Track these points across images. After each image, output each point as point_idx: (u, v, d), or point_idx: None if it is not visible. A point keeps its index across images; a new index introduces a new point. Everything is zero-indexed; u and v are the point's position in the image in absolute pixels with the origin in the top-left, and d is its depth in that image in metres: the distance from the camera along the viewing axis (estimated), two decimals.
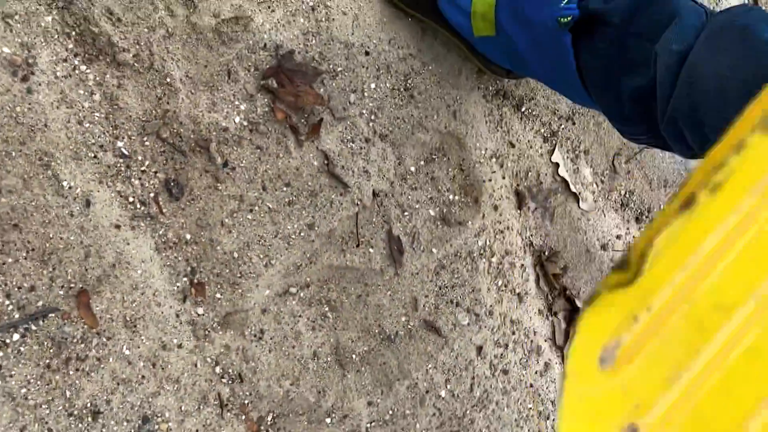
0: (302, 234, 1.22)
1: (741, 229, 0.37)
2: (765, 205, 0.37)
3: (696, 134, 0.85)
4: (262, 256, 1.19)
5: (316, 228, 1.23)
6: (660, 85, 0.89)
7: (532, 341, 1.49)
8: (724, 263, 0.37)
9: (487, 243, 1.42)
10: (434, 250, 1.36)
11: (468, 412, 1.39)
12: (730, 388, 0.40)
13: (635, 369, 0.40)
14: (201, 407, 1.15)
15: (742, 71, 0.77)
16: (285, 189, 1.19)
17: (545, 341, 1.53)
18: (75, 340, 1.04)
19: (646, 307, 0.38)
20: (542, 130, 1.51)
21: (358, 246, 1.28)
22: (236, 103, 1.15)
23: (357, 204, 1.26)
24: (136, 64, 1.07)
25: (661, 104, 0.90)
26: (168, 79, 1.09)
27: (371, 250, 1.29)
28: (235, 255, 1.17)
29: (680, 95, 0.85)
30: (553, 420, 1.52)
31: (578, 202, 1.56)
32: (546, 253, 1.54)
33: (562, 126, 1.54)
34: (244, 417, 1.18)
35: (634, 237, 1.66)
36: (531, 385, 1.48)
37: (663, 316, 0.38)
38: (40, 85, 1.01)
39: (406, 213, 1.33)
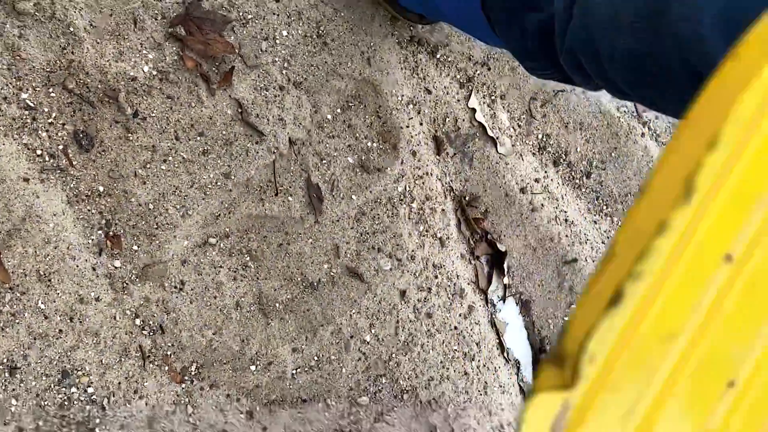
0: (219, 183, 1.22)
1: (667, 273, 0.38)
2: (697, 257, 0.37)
3: (593, 64, 0.87)
4: (178, 207, 1.18)
5: (233, 177, 1.23)
6: (558, 17, 0.91)
7: (455, 285, 1.52)
8: (661, 299, 0.37)
9: (407, 189, 1.43)
10: (354, 197, 1.37)
11: (394, 355, 1.41)
12: (682, 411, 0.41)
13: (589, 426, 0.39)
14: (122, 360, 1.14)
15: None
16: (199, 138, 1.19)
17: (468, 284, 1.55)
18: None
19: (588, 359, 0.38)
20: (458, 76, 1.52)
21: (276, 195, 1.28)
22: (144, 52, 1.13)
23: (273, 152, 1.26)
24: (37, 13, 1.05)
25: (559, 36, 0.92)
26: (71, 29, 1.07)
27: (290, 198, 1.30)
28: (151, 206, 1.16)
29: (575, 26, 0.87)
30: (478, 361, 1.55)
31: (496, 147, 1.58)
32: (466, 198, 1.56)
33: (478, 71, 1.55)
34: (167, 368, 1.18)
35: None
36: (455, 328, 1.51)
37: (608, 366, 0.38)
38: None
39: (324, 161, 1.33)
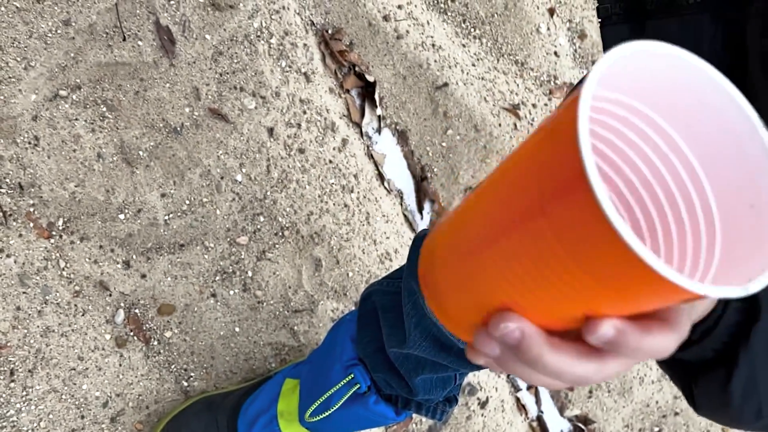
0: (59, 32, 1.17)
1: None
2: None
3: None
4: (19, 59, 1.14)
5: (74, 24, 1.18)
6: None
7: (326, 119, 1.52)
8: None
9: (263, 24, 1.40)
10: (208, 36, 1.34)
11: (269, 193, 1.42)
12: None
13: None
14: None
15: None
16: None
17: (340, 118, 1.56)
18: None
19: None
20: None
21: (124, 40, 1.24)
22: None
23: None
24: None
25: None
26: None
27: (140, 43, 1.26)
28: None
29: None
30: (357, 192, 1.58)
31: None
32: (329, 31, 1.54)
33: None
34: (32, 225, 1.17)
35: (414, 8, 1.68)
36: (330, 162, 1.52)
37: None
38: None
39: (172, 2, 1.29)
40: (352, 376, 1.12)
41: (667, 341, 0.42)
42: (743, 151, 0.40)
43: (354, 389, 1.12)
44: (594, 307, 0.39)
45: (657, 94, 0.41)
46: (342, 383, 1.13)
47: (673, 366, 0.60)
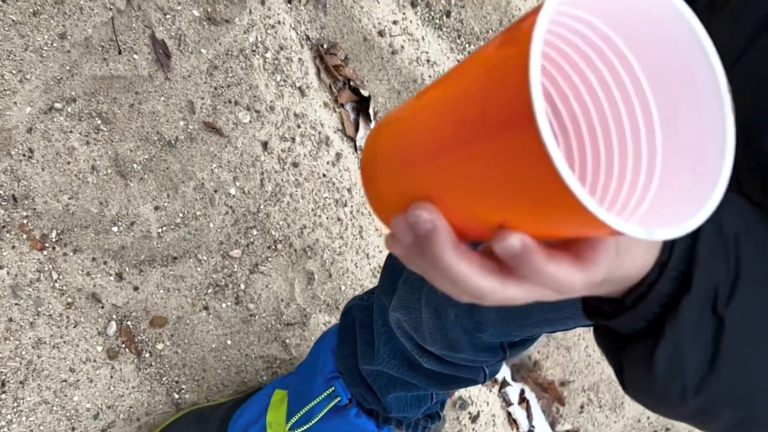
0: (55, 45, 1.18)
1: None
2: None
3: None
4: (14, 72, 1.15)
5: (70, 37, 1.19)
6: None
7: (320, 133, 1.53)
8: None
9: (259, 39, 1.41)
10: (203, 50, 1.34)
11: (262, 206, 1.43)
12: None
13: None
14: None
15: None
16: None
17: (334, 132, 1.57)
18: None
19: None
20: None
21: (120, 53, 1.25)
22: None
23: (110, 9, 1.22)
24: None
25: None
26: None
27: (135, 56, 1.27)
28: None
29: None
30: (351, 206, 1.59)
31: None
32: (324, 46, 1.55)
33: None
34: (25, 236, 1.18)
35: (410, 22, 1.69)
36: (324, 175, 1.53)
37: None
38: None
39: (168, 15, 1.30)
40: (333, 388, 1.13)
41: (573, 276, 0.42)
42: (702, 113, 0.41)
43: (335, 402, 1.13)
44: (511, 219, 0.40)
45: (632, 29, 0.42)
46: (323, 395, 1.14)
47: (608, 338, 0.59)
